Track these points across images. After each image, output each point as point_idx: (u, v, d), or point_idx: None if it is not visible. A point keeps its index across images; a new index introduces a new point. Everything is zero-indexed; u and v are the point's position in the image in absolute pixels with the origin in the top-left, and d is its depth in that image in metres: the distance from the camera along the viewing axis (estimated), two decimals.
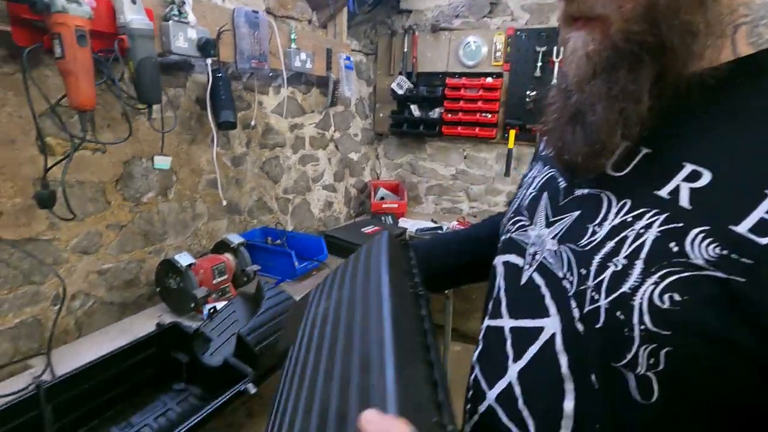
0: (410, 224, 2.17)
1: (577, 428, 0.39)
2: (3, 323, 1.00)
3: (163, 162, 1.23)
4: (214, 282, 1.24)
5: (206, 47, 1.22)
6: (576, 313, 0.39)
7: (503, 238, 0.53)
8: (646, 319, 0.34)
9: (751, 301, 0.30)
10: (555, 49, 2.03)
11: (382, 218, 2.20)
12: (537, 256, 0.45)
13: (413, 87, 2.37)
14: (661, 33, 0.34)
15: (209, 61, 1.25)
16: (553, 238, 0.44)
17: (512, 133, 2.17)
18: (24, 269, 1.02)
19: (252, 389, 0.75)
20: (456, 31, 2.26)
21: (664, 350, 0.33)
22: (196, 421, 0.66)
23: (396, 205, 2.30)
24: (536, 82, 2.10)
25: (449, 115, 2.30)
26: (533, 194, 0.51)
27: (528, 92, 2.12)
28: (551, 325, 0.41)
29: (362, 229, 1.86)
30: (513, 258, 0.49)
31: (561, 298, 0.41)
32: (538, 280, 0.44)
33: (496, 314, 0.49)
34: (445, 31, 2.28)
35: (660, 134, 0.38)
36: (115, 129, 1.17)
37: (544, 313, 0.42)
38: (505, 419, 0.44)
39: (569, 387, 0.40)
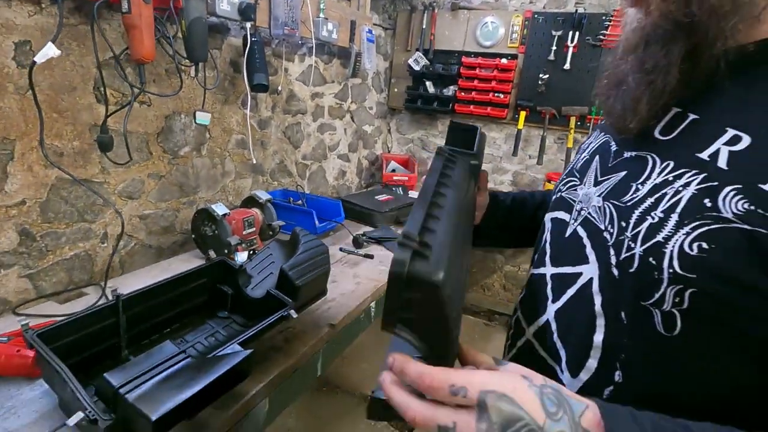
0: None
1: (604, 358, 0.45)
2: (61, 254, 1.11)
3: (204, 118, 1.32)
4: (245, 233, 1.35)
5: (246, 11, 1.29)
6: (613, 259, 0.44)
7: (554, 197, 0.59)
8: (675, 264, 0.38)
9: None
10: (570, 34, 2.10)
11: (393, 189, 2.30)
12: (582, 212, 0.51)
13: (429, 64, 2.43)
14: (692, 12, 0.38)
15: (248, 24, 1.32)
16: (599, 195, 0.48)
17: (522, 114, 2.26)
18: (79, 207, 1.12)
19: (294, 314, 0.87)
20: (475, 11, 2.32)
21: (689, 291, 0.38)
22: (245, 338, 0.77)
23: (406, 178, 2.40)
24: (549, 66, 2.17)
25: (463, 94, 2.37)
26: (586, 158, 0.56)
27: (541, 75, 2.19)
28: (589, 270, 0.47)
29: (376, 197, 1.96)
30: (561, 214, 0.55)
31: (601, 248, 0.46)
32: (581, 232, 0.50)
33: (541, 263, 0.56)
34: (464, 9, 2.34)
35: (707, 102, 0.42)
36: (159, 84, 1.25)
37: (584, 260, 0.48)
38: (541, 351, 0.52)
39: (600, 323, 0.45)
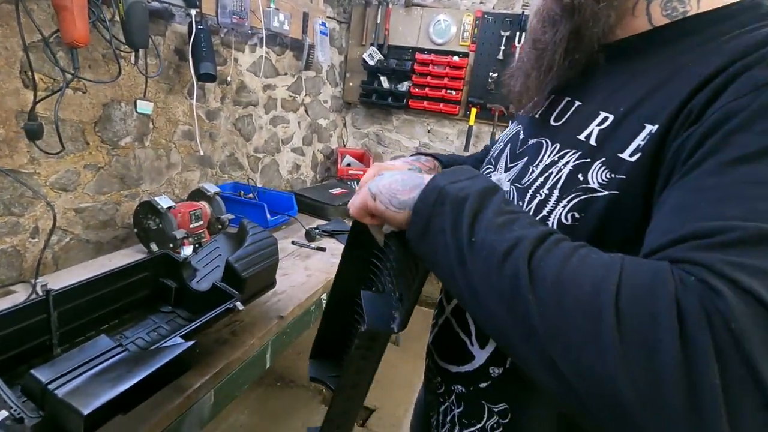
0: None
1: None
2: None
3: (145, 107, 1.27)
4: (191, 226, 1.31)
5: None
6: None
7: None
8: None
9: (627, 209, 0.39)
10: (517, 34, 2.19)
11: (348, 183, 2.31)
12: None
13: (384, 59, 2.45)
14: None
15: (193, 12, 1.28)
16: (508, 180, 0.53)
17: (473, 111, 2.33)
18: (4, 199, 1.05)
19: (240, 306, 0.86)
20: (428, 8, 2.36)
21: None
22: (188, 330, 0.76)
23: (361, 172, 2.41)
24: (499, 65, 2.26)
25: (416, 90, 2.42)
26: (500, 147, 0.60)
27: (491, 73, 2.28)
28: None
29: (330, 191, 1.96)
30: None
31: None
32: None
33: None
34: (418, 6, 2.38)
35: (589, 90, 0.48)
36: (96, 70, 1.19)
37: None
38: (456, 327, 0.56)
39: None
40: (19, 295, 1.02)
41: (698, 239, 0.30)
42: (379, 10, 2.41)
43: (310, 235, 1.54)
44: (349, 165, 2.49)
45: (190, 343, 0.67)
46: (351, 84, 2.60)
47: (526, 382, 0.48)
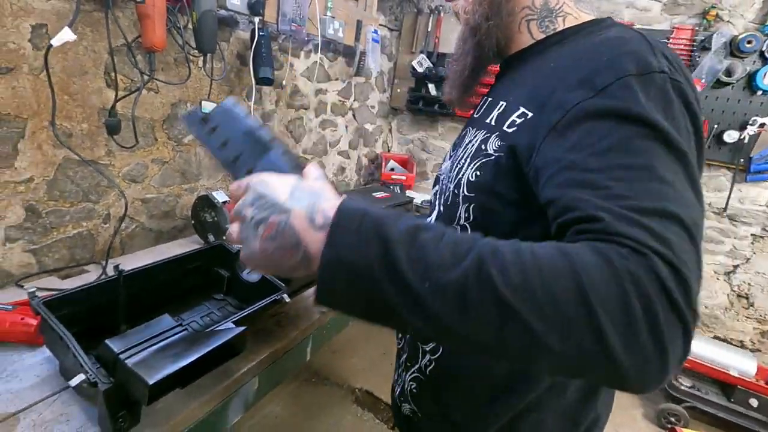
0: (416, 196, 2.32)
1: None
2: (64, 232, 1.14)
3: (209, 107, 1.36)
4: None
5: (255, 6, 1.33)
6: (441, 199, 0.63)
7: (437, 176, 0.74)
8: (464, 188, 0.57)
9: (507, 168, 0.51)
10: None
11: (391, 187, 2.34)
12: (440, 177, 0.68)
13: (432, 66, 2.48)
14: (476, 19, 0.60)
15: (257, 19, 1.36)
16: (449, 167, 0.64)
17: None
18: (83, 187, 1.16)
19: (287, 298, 0.91)
20: None
21: (472, 205, 0.56)
22: (239, 317, 0.81)
23: (404, 177, 2.44)
24: None
25: None
26: (456, 142, 0.70)
27: None
28: (434, 214, 0.67)
29: (373, 194, 2.00)
30: (436, 188, 0.70)
31: (440, 197, 0.64)
32: (437, 191, 0.68)
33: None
34: None
35: (497, 90, 0.64)
36: (168, 72, 1.29)
37: (434, 209, 0.68)
38: None
39: None
40: (91, 275, 1.12)
41: (614, 217, 0.36)
42: (431, 18, 2.43)
43: None
44: (392, 170, 2.52)
45: (242, 328, 0.71)
46: (398, 90, 2.64)
47: None
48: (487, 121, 0.58)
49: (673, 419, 1.99)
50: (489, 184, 0.54)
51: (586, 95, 0.43)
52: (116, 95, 1.08)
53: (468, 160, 0.57)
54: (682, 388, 1.98)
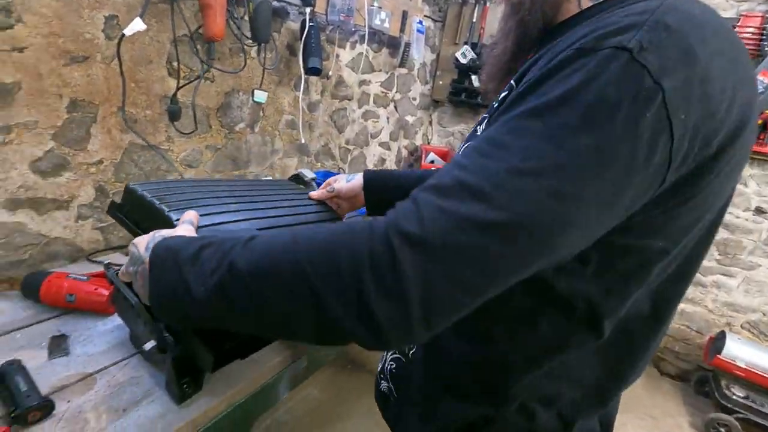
0: None
1: None
2: None
3: (261, 96, 1.40)
4: None
5: None
6: None
7: None
8: None
9: None
10: None
11: None
12: None
13: (477, 58, 2.44)
14: None
15: (308, 10, 1.39)
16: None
17: None
18: (146, 171, 1.23)
19: None
20: None
21: None
22: None
23: None
24: None
25: None
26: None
27: None
28: None
29: None
30: None
31: None
32: None
33: None
34: None
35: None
36: (223, 62, 1.34)
37: None
38: None
39: None
40: None
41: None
42: (476, 8, 2.39)
43: None
44: (432, 162, 2.51)
45: None
46: (441, 82, 2.62)
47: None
48: (494, 103, 0.51)
49: (722, 430, 1.89)
50: None
51: (533, 76, 0.39)
52: (178, 83, 1.14)
53: (463, 145, 0.52)
54: (735, 398, 1.88)
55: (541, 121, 0.36)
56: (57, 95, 1.00)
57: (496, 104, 0.48)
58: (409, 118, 2.56)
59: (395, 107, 2.38)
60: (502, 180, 0.35)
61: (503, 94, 0.46)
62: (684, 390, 2.19)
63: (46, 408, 0.62)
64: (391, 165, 2.52)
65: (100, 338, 0.81)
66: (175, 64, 1.19)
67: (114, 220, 0.72)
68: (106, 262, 0.77)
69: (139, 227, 0.66)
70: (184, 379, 0.68)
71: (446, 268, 0.35)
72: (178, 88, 1.14)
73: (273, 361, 0.80)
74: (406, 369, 0.61)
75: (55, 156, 1.03)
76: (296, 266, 0.37)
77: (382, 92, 2.22)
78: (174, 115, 1.14)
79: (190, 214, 0.58)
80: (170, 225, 0.58)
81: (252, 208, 0.70)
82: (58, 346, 0.77)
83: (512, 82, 0.46)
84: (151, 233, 0.51)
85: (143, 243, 0.50)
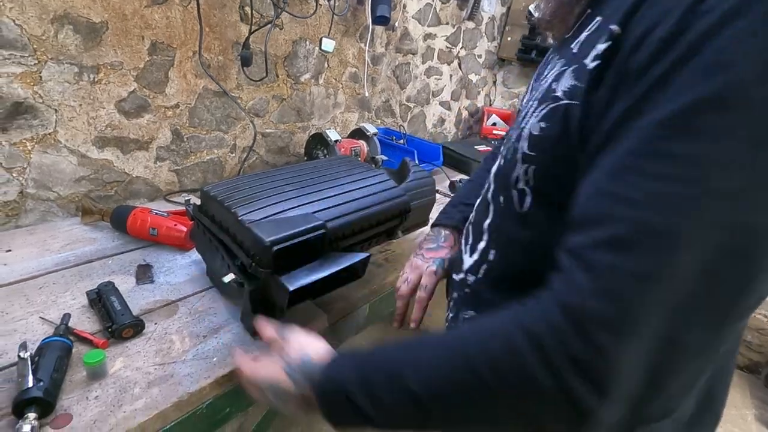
0: None
1: (489, 239, 0.53)
2: (200, 157, 1.27)
3: (329, 45, 1.38)
4: None
5: None
6: (504, 152, 0.51)
7: None
8: (525, 144, 0.43)
9: (579, 119, 0.36)
10: None
11: (492, 142, 2.24)
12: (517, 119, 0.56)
13: None
14: None
15: None
16: (522, 108, 0.52)
17: None
18: (217, 117, 1.26)
19: (400, 234, 0.93)
20: None
21: (532, 167, 0.43)
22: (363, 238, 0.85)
23: (504, 133, 2.31)
24: None
25: None
26: (538, 71, 0.54)
27: None
28: (494, 167, 0.55)
29: (476, 146, 1.93)
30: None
31: (505, 146, 0.52)
32: (506, 136, 0.56)
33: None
34: None
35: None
36: (293, 8, 1.31)
37: (497, 160, 0.55)
38: (462, 242, 0.62)
39: (490, 208, 0.53)
40: None
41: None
42: None
43: (454, 186, 1.56)
44: (494, 124, 2.40)
45: (366, 254, 0.74)
46: (509, 39, 2.45)
47: (493, 296, 0.52)
48: (572, 45, 0.40)
49: None
50: (555, 142, 0.39)
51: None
52: (250, 29, 1.14)
53: (536, 103, 0.43)
54: None
55: (726, 120, 0.25)
56: (139, 36, 1.02)
57: (576, 49, 0.39)
58: (473, 77, 2.44)
59: (459, 64, 2.27)
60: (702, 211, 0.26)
61: (603, 45, 0.34)
62: (753, 382, 2.05)
63: (137, 327, 0.68)
64: (450, 126, 2.43)
65: (180, 270, 0.86)
66: (247, 9, 1.18)
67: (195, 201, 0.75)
68: (187, 198, 0.81)
69: (214, 221, 0.75)
70: (258, 314, 0.71)
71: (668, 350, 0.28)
72: (250, 33, 1.14)
73: (338, 306, 0.82)
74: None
75: (138, 98, 1.07)
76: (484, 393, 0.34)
77: (447, 48, 2.12)
78: (246, 60, 1.14)
79: (293, 328, 0.58)
80: (236, 218, 0.67)
81: (310, 192, 0.79)
82: (144, 273, 0.83)
83: (613, 27, 0.34)
84: (272, 360, 0.51)
85: (281, 377, 0.48)
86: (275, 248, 0.64)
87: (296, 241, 0.67)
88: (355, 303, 0.86)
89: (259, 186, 0.78)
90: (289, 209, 0.72)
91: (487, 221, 0.53)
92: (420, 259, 0.73)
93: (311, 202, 0.76)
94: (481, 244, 0.54)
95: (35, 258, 0.84)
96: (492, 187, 0.54)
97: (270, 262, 0.64)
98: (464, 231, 0.63)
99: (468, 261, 0.57)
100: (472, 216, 0.61)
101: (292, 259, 0.68)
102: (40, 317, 0.68)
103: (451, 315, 0.64)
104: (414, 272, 0.72)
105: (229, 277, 0.69)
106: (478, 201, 0.60)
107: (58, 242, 0.90)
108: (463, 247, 0.61)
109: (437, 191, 1.54)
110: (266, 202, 0.73)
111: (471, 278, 0.55)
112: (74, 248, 0.88)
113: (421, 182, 1.00)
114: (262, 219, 0.69)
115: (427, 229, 1.06)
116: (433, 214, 0.99)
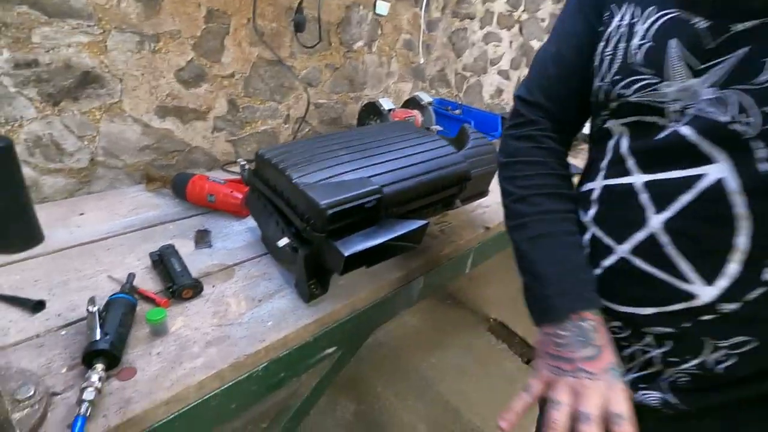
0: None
1: (750, 260, 0.41)
2: (255, 128, 1.27)
3: (383, 7, 1.32)
4: None
5: None
6: (762, 153, 0.39)
7: (615, 104, 0.50)
8: None
9: None
10: None
11: None
12: (688, 110, 0.43)
13: None
14: None
15: None
16: (711, 86, 0.41)
17: None
18: (271, 86, 1.25)
19: (459, 203, 0.88)
20: None
21: None
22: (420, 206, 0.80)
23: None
24: None
25: None
26: (648, 45, 0.45)
27: None
28: (717, 170, 0.42)
29: None
30: (640, 118, 0.48)
31: (731, 142, 0.40)
32: (687, 131, 0.43)
33: (618, 172, 0.50)
34: None
35: None
36: None
37: (703, 160, 0.42)
38: (646, 266, 0.47)
39: (743, 224, 0.41)
40: None
41: None
42: None
43: None
44: None
45: (424, 222, 0.69)
46: None
47: None
48: None
49: None
50: None
51: None
52: None
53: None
54: None
55: None
56: (196, 4, 1.02)
57: None
58: (535, 44, 2.26)
59: (520, 29, 2.11)
60: None
61: None
62: None
63: (196, 288, 0.68)
64: (508, 97, 2.29)
65: (236, 236, 0.87)
66: None
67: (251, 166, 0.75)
68: (242, 162, 0.80)
69: (268, 185, 0.73)
70: (312, 280, 0.70)
71: None
72: None
73: (393, 276, 0.79)
74: (711, 381, 0.49)
75: (195, 67, 1.08)
76: None
77: (508, 11, 1.97)
78: (300, 25, 1.11)
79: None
80: (290, 181, 0.66)
81: (365, 156, 0.75)
82: (203, 238, 0.84)
83: None
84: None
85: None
86: (330, 212, 0.61)
87: (351, 205, 0.64)
88: (410, 274, 0.82)
89: (314, 150, 0.75)
90: (343, 173, 0.70)
91: (742, 239, 0.41)
92: (584, 378, 0.45)
93: (366, 167, 0.73)
94: (733, 267, 0.42)
95: (105, 221, 0.87)
96: (739, 198, 0.41)
97: (324, 226, 0.62)
98: (621, 258, 0.50)
99: (707, 289, 0.44)
100: (657, 232, 0.46)
101: (346, 224, 0.66)
102: (108, 276, 0.71)
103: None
104: (585, 400, 0.43)
105: (283, 241, 0.67)
106: (663, 216, 0.46)
107: (125, 207, 0.94)
108: (656, 276, 0.47)
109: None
110: (320, 165, 0.71)
111: (730, 306, 0.44)
112: (139, 213, 0.92)
113: (481, 149, 0.93)
114: (316, 182, 0.66)
115: (491, 205, 0.99)
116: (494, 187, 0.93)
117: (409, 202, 0.75)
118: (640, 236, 0.48)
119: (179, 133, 1.12)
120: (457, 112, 1.64)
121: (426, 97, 1.44)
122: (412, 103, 1.47)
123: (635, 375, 0.55)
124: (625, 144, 0.50)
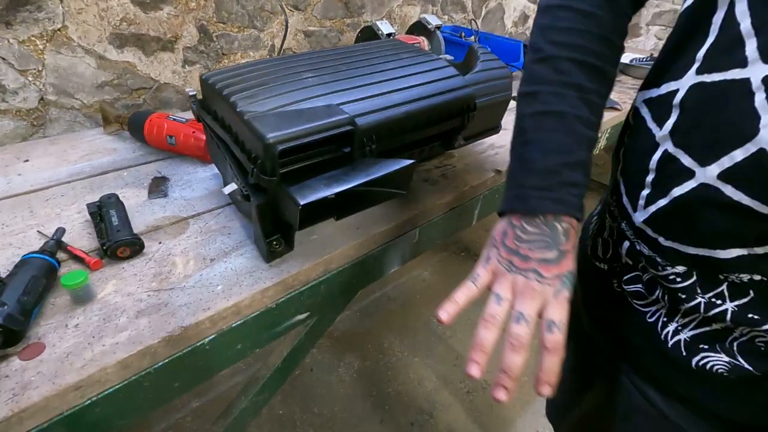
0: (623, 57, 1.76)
1: None
2: (233, 60, 1.11)
3: None
4: None
5: None
6: None
7: None
8: None
9: None
10: None
11: None
12: None
13: None
14: None
15: None
16: None
17: None
18: (249, 10, 1.07)
19: (462, 142, 0.72)
20: None
21: None
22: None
23: None
24: None
25: None
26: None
27: None
28: None
29: None
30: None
31: None
32: None
33: (725, 63, 0.35)
34: None
35: None
36: None
37: None
38: (737, 196, 0.35)
39: None
40: None
41: None
42: None
43: None
44: None
45: (408, 162, 0.55)
46: None
47: None
48: None
49: None
50: None
51: None
52: None
53: None
54: None
55: None
56: None
57: None
58: None
59: None
60: None
61: None
62: None
63: (134, 246, 0.57)
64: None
65: (198, 184, 0.75)
66: None
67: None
68: (192, 92, 0.66)
69: (216, 118, 0.60)
70: (275, 235, 0.57)
71: None
72: None
73: (379, 230, 0.65)
74: None
75: None
76: None
77: None
78: None
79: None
80: (235, 111, 0.52)
81: (336, 79, 0.60)
82: (158, 187, 0.72)
83: None
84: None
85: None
86: (279, 147, 0.47)
87: (310, 139, 0.49)
88: (401, 226, 0.69)
89: (273, 72, 0.60)
90: (305, 99, 0.55)
91: None
92: (533, 279, 0.40)
93: (337, 92, 0.58)
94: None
95: (51, 168, 0.76)
96: None
97: (274, 168, 0.48)
98: (703, 183, 0.37)
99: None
100: None
101: (307, 166, 0.52)
102: (37, 231, 0.60)
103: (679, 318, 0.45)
104: (526, 301, 0.40)
105: (230, 188, 0.54)
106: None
107: (78, 152, 0.82)
108: (752, 207, 0.35)
109: (515, 98, 1.26)
110: (277, 90, 0.56)
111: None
112: (92, 159, 0.80)
113: (492, 73, 0.75)
114: (267, 111, 0.52)
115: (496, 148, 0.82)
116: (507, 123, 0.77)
117: (393, 138, 0.60)
118: (739, 155, 0.34)
119: (143, 67, 0.97)
120: (472, 38, 1.42)
121: (434, 20, 1.23)
122: (417, 27, 1.26)
123: (694, 332, 0.43)
124: (745, 19, 0.33)
